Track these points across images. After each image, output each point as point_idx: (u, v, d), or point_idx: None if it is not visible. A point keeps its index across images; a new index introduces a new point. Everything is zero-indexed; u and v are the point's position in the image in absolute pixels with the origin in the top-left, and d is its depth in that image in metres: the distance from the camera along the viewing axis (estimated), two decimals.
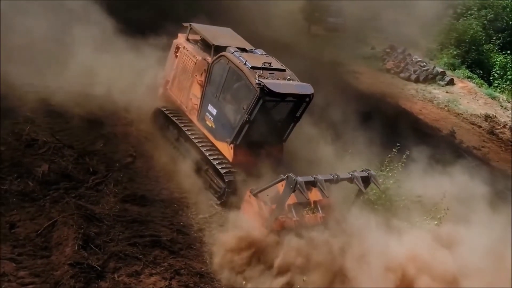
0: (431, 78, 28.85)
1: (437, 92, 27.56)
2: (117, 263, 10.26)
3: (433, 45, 33.12)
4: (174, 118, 14.54)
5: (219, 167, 13.16)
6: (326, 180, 11.70)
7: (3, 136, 12.34)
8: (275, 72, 13.15)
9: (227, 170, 13.09)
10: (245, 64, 12.89)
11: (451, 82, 28.88)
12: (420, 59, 29.76)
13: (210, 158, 13.37)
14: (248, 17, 21.90)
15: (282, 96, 12.91)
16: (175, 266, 10.73)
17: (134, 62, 16.04)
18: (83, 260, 9.84)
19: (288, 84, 13.06)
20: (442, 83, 28.72)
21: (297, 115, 13.59)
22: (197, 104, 14.07)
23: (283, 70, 13.47)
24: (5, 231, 10.22)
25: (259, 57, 13.65)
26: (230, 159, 13.27)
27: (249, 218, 12.03)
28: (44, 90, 14.51)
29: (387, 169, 14.21)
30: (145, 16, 19.05)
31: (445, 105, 25.78)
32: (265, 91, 12.31)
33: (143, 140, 14.69)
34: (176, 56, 15.15)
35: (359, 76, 26.47)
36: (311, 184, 11.59)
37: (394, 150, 14.43)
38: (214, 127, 13.65)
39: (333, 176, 11.95)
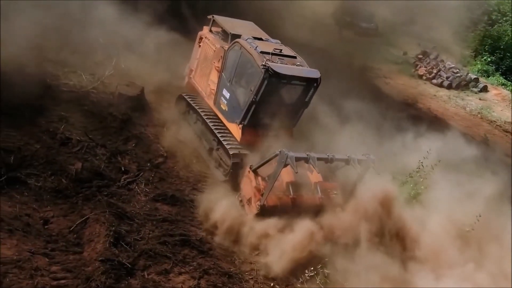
0: (464, 85, 28.51)
1: (470, 99, 27.22)
2: (147, 261, 10.35)
3: (467, 51, 32.72)
4: (192, 103, 15.23)
5: (228, 146, 13.67)
6: (319, 158, 12.09)
7: (39, 134, 12.55)
8: (285, 58, 13.61)
9: (235, 151, 13.57)
10: (255, 49, 13.38)
11: (484, 89, 28.50)
12: (453, 66, 29.42)
13: (221, 138, 13.91)
14: (280, 20, 22.04)
15: (287, 78, 13.29)
16: (204, 265, 10.78)
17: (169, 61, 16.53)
18: (113, 257, 9.95)
19: (294, 68, 13.46)
20: (475, 90, 28.36)
21: (306, 100, 13.90)
22: (214, 89, 14.71)
23: (294, 57, 13.88)
24: (39, 227, 10.39)
25: (272, 45, 14.14)
26: (238, 139, 13.81)
27: (247, 194, 12.61)
28: (79, 90, 14.74)
29: (418, 175, 14.06)
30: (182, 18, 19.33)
31: (478, 112, 25.45)
32: (270, 72, 12.79)
33: (174, 141, 14.83)
34: (200, 46, 15.96)
35: (390, 81, 26.30)
36: (304, 160, 11.99)
37: (424, 156, 14.30)
38: (227, 110, 14.25)
39: (328, 155, 12.27)
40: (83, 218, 10.80)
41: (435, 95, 26.66)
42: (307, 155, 11.98)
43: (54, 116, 13.47)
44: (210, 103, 14.89)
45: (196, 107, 15.05)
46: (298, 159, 11.80)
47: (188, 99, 15.46)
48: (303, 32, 23.72)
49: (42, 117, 13.22)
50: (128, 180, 12.68)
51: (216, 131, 14.14)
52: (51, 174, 11.67)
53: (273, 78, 12.92)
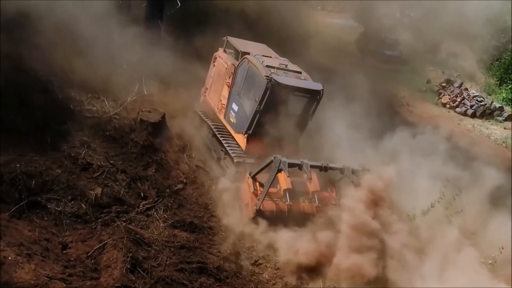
0: (489, 114, 28.20)
1: (495, 128, 26.87)
2: None
3: (492, 80, 32.40)
4: (205, 118, 16.20)
5: (233, 154, 14.44)
6: (312, 166, 12.95)
7: (61, 159, 12.67)
8: (290, 73, 14.41)
9: (240, 159, 14.30)
10: (261, 63, 14.34)
11: (509, 118, 28.13)
12: (477, 94, 29.13)
13: (227, 147, 14.73)
14: (304, 47, 22.20)
15: (289, 89, 13.95)
16: None
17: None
18: (130, 284, 9.96)
19: (297, 80, 14.23)
20: (500, 119, 28.03)
21: (310, 112, 14.67)
22: (224, 104, 15.56)
23: (299, 72, 14.61)
24: (58, 252, 10.47)
25: (279, 61, 14.90)
26: (244, 148, 14.52)
27: (245, 198, 13.25)
28: (102, 116, 14.90)
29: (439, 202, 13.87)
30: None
31: (503, 141, 25.08)
32: (272, 82, 13.66)
33: (194, 168, 14.90)
34: (214, 66, 16.83)
35: (413, 109, 26.13)
36: (297, 166, 12.83)
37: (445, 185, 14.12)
38: (235, 122, 15.09)
39: (322, 163, 13.16)
40: (101, 244, 10.86)
41: (458, 124, 26.41)
42: (301, 161, 12.76)
43: (77, 141, 13.61)
44: (221, 117, 15.82)
45: (207, 121, 15.97)
46: (291, 165, 12.74)
47: (201, 114, 16.43)
48: (326, 59, 23.78)
49: (65, 142, 13.35)
50: (147, 206, 12.75)
51: (223, 141, 14.94)
52: (71, 199, 11.78)
53: (275, 88, 13.68)
